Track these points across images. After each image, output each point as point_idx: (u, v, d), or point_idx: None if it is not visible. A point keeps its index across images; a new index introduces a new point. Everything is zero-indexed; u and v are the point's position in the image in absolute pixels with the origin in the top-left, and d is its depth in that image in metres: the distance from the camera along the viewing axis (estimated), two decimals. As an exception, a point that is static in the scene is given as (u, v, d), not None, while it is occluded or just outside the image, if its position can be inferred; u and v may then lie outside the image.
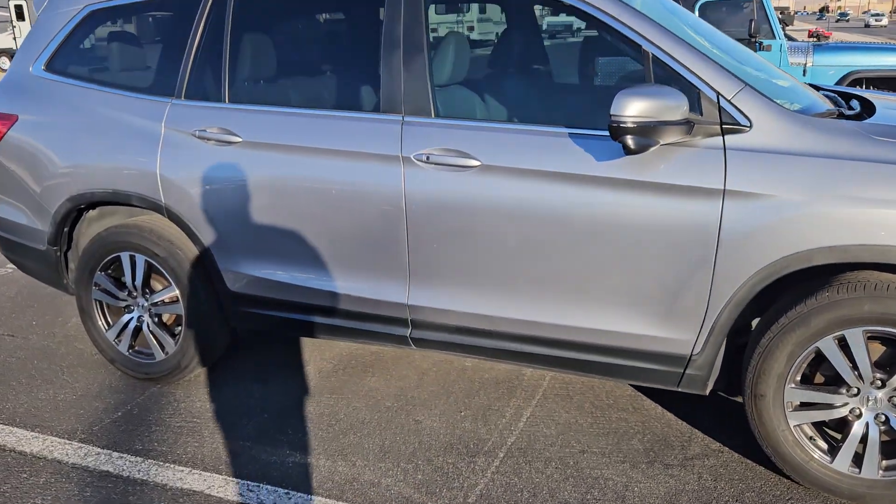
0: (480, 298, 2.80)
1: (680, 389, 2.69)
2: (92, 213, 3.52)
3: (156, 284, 3.43)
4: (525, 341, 2.81)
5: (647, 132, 2.33)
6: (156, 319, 3.45)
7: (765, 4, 8.31)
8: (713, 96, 2.42)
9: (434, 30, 2.89)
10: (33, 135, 3.43)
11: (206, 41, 3.17)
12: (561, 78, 2.82)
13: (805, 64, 8.14)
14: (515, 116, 2.67)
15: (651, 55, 2.52)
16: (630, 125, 2.32)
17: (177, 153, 3.14)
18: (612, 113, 2.33)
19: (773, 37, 8.23)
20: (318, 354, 3.79)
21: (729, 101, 2.42)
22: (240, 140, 3.02)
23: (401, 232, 2.83)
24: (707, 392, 2.67)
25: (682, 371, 2.64)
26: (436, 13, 2.69)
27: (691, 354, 2.60)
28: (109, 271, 3.47)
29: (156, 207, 3.22)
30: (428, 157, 2.73)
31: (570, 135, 2.59)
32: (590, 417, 3.13)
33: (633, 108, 2.31)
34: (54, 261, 3.56)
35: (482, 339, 2.87)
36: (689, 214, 2.42)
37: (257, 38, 3.14)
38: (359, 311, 3.03)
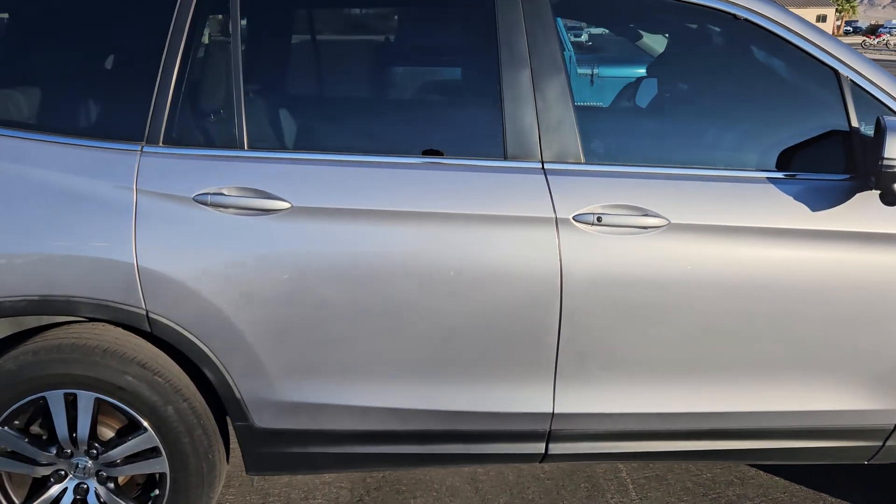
0: (656, 394, 2.17)
1: (868, 463, 2.34)
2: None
3: (105, 432, 2.21)
4: (704, 436, 2.24)
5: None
6: (110, 486, 2.22)
7: None
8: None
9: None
10: None
11: (198, 54, 2.07)
12: (738, 109, 2.29)
13: None
14: (692, 159, 2.09)
15: (850, 80, 2.11)
16: None
17: (167, 230, 2.00)
18: (886, 156, 1.88)
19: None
20: (317, 480, 2.79)
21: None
22: (286, 206, 2.00)
23: (550, 319, 2.08)
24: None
25: (881, 444, 2.29)
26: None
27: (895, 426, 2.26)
28: (16, 423, 2.15)
29: (127, 317, 2.04)
30: (599, 219, 2.02)
31: (771, 180, 2.08)
32: (705, 499, 2.66)
33: (912, 150, 1.89)
34: None
35: (648, 443, 2.24)
36: None
37: (293, 51, 2.12)
38: (471, 431, 2.20)
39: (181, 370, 2.17)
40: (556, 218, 2.03)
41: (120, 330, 2.16)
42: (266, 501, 2.66)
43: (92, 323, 2.19)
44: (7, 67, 2.18)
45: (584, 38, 10.94)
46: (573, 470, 2.84)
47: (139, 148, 2.04)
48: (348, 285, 2.03)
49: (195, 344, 2.05)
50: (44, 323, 2.20)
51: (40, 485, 2.24)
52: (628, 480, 2.78)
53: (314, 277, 2.02)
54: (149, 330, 2.05)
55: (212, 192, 2.00)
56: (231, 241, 2.01)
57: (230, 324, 2.04)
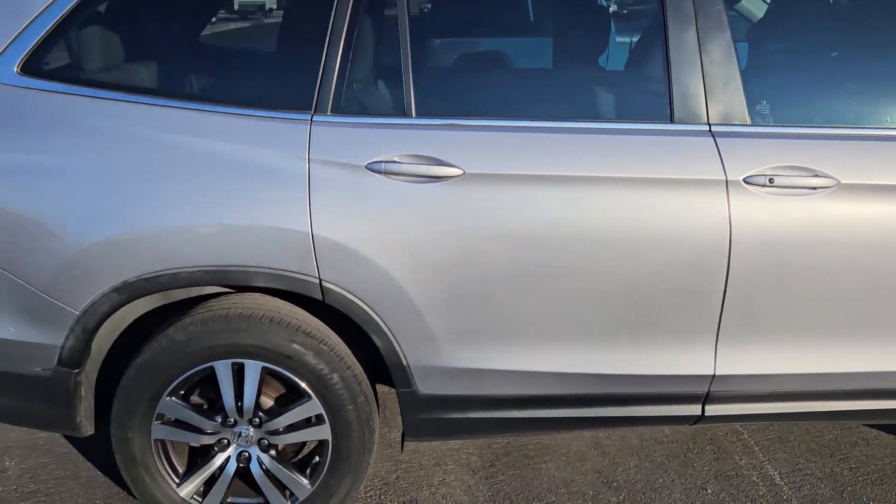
0: (815, 355, 2.19)
1: None
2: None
3: (265, 401, 2.23)
4: (860, 397, 2.27)
5: None
6: (272, 453, 2.25)
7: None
8: None
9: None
10: (21, 186, 2.00)
11: (364, 21, 2.06)
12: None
13: None
14: (857, 117, 2.08)
15: None
16: None
17: (340, 199, 2.01)
18: None
19: None
20: (445, 447, 2.82)
21: None
22: (459, 173, 2.01)
23: (716, 281, 2.09)
24: None
25: None
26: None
27: None
28: (182, 392, 2.18)
29: (302, 286, 2.05)
30: (771, 180, 2.03)
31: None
32: (833, 460, 2.70)
33: None
34: (65, 390, 2.15)
35: (802, 403, 2.27)
36: None
37: (463, 16, 2.11)
38: (629, 394, 2.23)
39: (340, 339, 2.19)
40: (727, 180, 2.04)
41: (278, 300, 2.18)
42: (398, 468, 2.69)
43: (249, 293, 2.21)
44: (176, 39, 2.18)
45: (612, 7, 10.84)
46: (695, 433, 2.88)
47: (309, 117, 2.04)
48: (517, 250, 2.04)
49: (366, 312, 2.07)
50: (192, 295, 2.21)
51: (202, 454, 2.27)
52: (752, 443, 2.81)
53: (484, 243, 2.03)
54: (321, 298, 2.06)
55: (385, 159, 2.01)
56: (404, 209, 2.01)
57: (401, 291, 2.05)
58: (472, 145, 2.02)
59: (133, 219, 1.98)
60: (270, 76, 2.12)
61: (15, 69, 2.05)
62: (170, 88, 2.08)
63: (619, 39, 2.50)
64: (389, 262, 2.03)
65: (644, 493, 2.54)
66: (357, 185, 2.01)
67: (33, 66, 2.05)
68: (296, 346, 2.10)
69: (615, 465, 2.69)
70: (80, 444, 2.81)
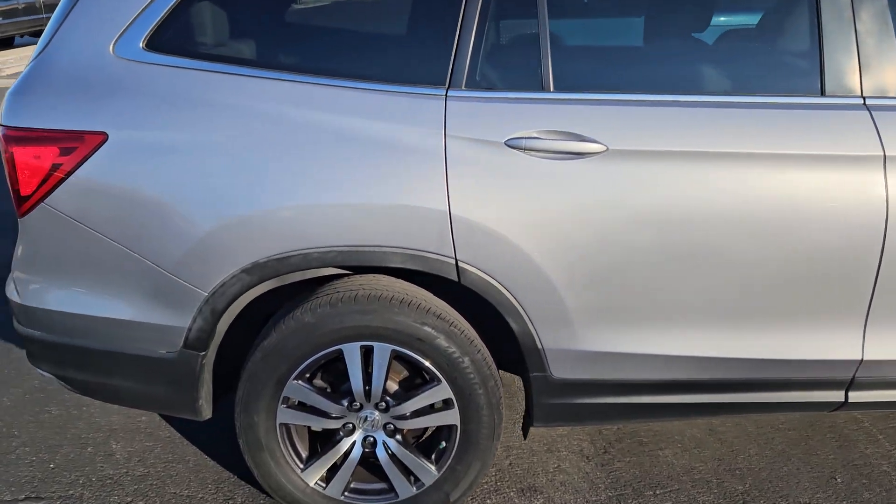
0: None
1: None
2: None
3: (390, 384, 2.18)
4: None
5: None
6: (398, 438, 2.19)
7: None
8: None
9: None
10: (149, 164, 1.95)
11: (500, -7, 1.98)
12: None
13: None
14: None
15: None
16: None
17: (478, 177, 1.93)
18: None
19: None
20: (554, 433, 2.75)
21: None
22: (602, 149, 1.92)
23: (868, 263, 1.99)
24: None
25: None
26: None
27: None
28: (307, 376, 2.13)
29: (439, 267, 1.99)
30: None
31: None
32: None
33: None
34: (190, 372, 2.11)
35: None
36: None
37: None
38: (769, 379, 2.13)
39: (467, 322, 2.13)
40: (885, 156, 1.93)
41: (404, 281, 2.12)
42: (510, 454, 2.63)
43: (371, 274, 2.15)
44: (301, 12, 2.11)
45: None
46: (813, 420, 2.78)
47: (444, 92, 1.96)
48: (658, 230, 1.95)
49: (502, 293, 2.00)
50: (307, 277, 2.15)
51: (324, 438, 2.23)
52: (874, 431, 2.70)
53: (625, 222, 1.95)
54: (456, 279, 1.99)
55: (525, 135, 1.93)
56: (544, 186, 1.93)
57: (539, 272, 1.98)
58: (614, 120, 1.93)
59: (265, 197, 1.93)
60: (402, 49, 2.04)
61: (140, 45, 2.00)
62: (297, 63, 2.01)
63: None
64: (527, 241, 1.95)
65: (770, 482, 2.45)
66: (495, 162, 1.93)
67: (158, 41, 2.00)
68: (427, 329, 2.04)
69: (735, 453, 2.60)
70: (182, 427, 2.79)
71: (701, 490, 2.42)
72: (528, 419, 2.24)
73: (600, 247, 1.97)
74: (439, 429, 2.22)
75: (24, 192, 2.01)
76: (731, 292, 2.01)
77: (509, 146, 1.92)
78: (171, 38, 2.01)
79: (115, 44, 2.00)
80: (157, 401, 2.22)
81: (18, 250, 2.14)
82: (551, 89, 1.97)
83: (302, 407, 2.15)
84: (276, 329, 2.07)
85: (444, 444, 2.20)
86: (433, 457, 2.21)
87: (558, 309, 2.02)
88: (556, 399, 2.15)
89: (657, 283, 2.00)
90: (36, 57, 2.08)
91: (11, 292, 2.17)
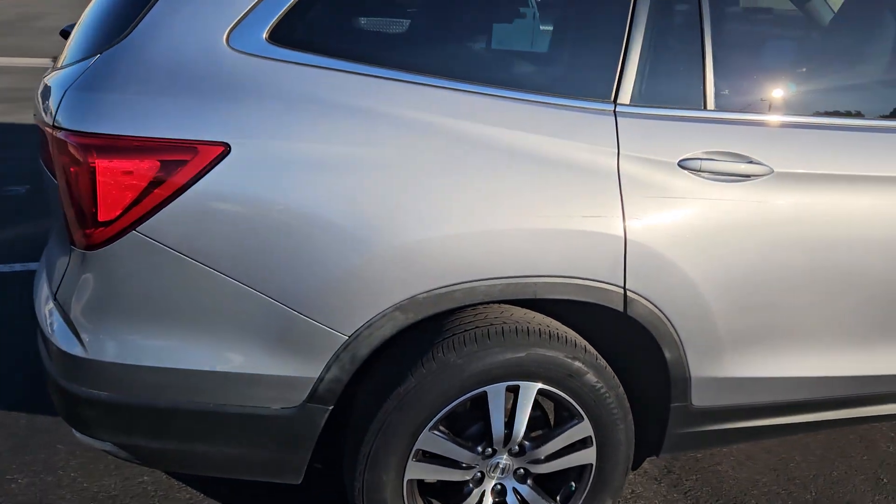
0: None
1: None
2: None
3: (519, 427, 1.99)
4: None
5: None
6: (529, 482, 2.01)
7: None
8: None
9: None
10: (281, 183, 1.61)
11: (665, 8, 1.86)
12: None
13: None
14: None
15: None
16: None
17: (652, 199, 1.81)
18: None
19: None
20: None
21: None
22: (767, 171, 1.88)
23: None
24: None
25: None
26: None
27: None
28: (443, 424, 1.89)
29: (605, 297, 1.83)
30: None
31: None
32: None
33: None
34: (310, 430, 1.79)
35: None
36: None
37: (758, 12, 1.95)
38: (885, 393, 2.21)
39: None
40: None
41: (536, 313, 1.94)
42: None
43: (502, 305, 1.94)
44: (450, 16, 1.84)
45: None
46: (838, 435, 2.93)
47: (612, 107, 1.81)
48: (815, 254, 1.94)
49: (663, 322, 1.89)
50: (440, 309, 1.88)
51: (450, 492, 1.98)
52: (885, 428, 2.91)
53: (782, 246, 1.92)
54: (622, 310, 1.85)
55: (695, 156, 1.83)
56: (712, 210, 1.85)
57: (699, 298, 1.89)
58: (779, 142, 1.89)
59: (430, 223, 1.66)
60: (566, 59, 1.85)
61: (263, 36, 1.64)
62: (447, 68, 1.75)
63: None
64: (692, 267, 1.86)
65: (830, 488, 2.55)
66: (668, 184, 1.81)
67: (285, 32, 1.66)
68: (578, 364, 1.88)
69: (784, 462, 2.68)
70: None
71: (776, 502, 2.46)
72: (649, 450, 2.14)
73: (756, 271, 1.92)
74: (566, 469, 2.05)
75: (105, 216, 1.58)
76: (864, 314, 2.04)
77: (681, 167, 1.81)
78: (302, 30, 1.67)
79: (229, 34, 1.63)
80: (254, 466, 1.84)
81: (76, 288, 1.68)
82: (713, 108, 1.88)
83: (432, 459, 1.89)
84: (414, 373, 1.79)
85: (573, 484, 2.04)
86: (558, 498, 2.04)
87: (711, 336, 1.94)
88: (689, 428, 2.07)
89: (802, 306, 1.99)
90: (107, 46, 1.64)
91: (69, 343, 1.69)
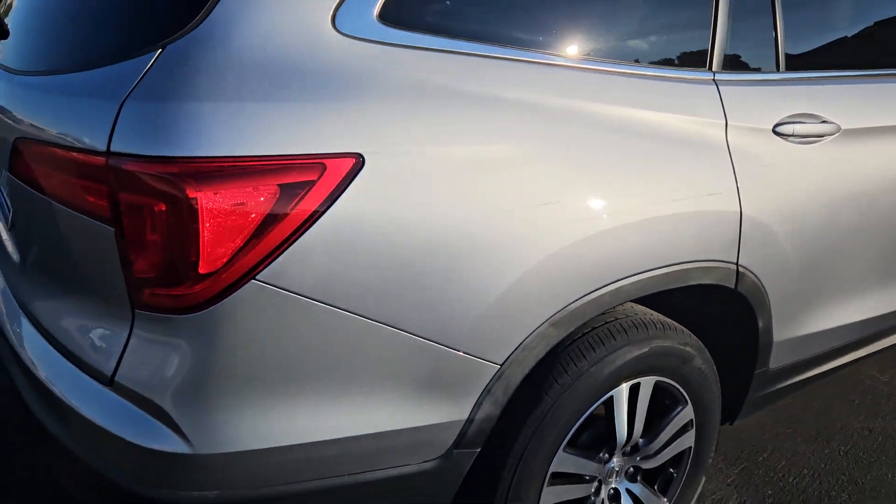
0: None
1: None
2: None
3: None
4: None
5: None
6: (639, 478, 1.91)
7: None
8: None
9: None
10: (427, 197, 1.32)
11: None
12: None
13: None
14: None
15: None
16: None
17: (755, 169, 1.74)
18: None
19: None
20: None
21: None
22: (836, 130, 1.90)
23: None
24: None
25: None
26: None
27: None
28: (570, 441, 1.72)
29: (722, 276, 1.75)
30: None
31: None
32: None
33: None
34: (452, 482, 1.54)
35: None
36: None
37: None
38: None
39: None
40: None
41: (636, 304, 1.83)
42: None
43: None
44: None
45: None
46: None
47: (711, 76, 1.71)
48: (872, 207, 2.01)
49: (762, 293, 1.85)
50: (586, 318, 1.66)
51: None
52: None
53: (849, 201, 1.96)
54: (732, 287, 1.78)
55: (784, 120, 1.79)
56: (799, 173, 1.83)
57: (787, 262, 1.87)
58: (843, 100, 1.91)
59: (582, 222, 1.46)
60: (664, 26, 1.69)
61: (374, 15, 1.32)
62: (563, 47, 1.52)
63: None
64: (784, 233, 1.84)
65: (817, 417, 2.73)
66: (767, 151, 1.76)
67: (398, 11, 1.35)
68: (689, 350, 1.80)
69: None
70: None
71: (785, 442, 2.58)
72: (723, 420, 2.12)
73: (827, 230, 1.94)
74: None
75: (210, 265, 1.20)
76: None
77: (775, 133, 1.76)
78: (416, 7, 1.36)
79: (334, 14, 1.28)
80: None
81: (163, 366, 1.27)
82: (784, 69, 1.85)
83: (561, 479, 1.72)
84: (549, 391, 1.59)
85: (672, 471, 1.96)
86: (656, 487, 1.96)
87: (793, 298, 1.94)
88: (764, 391, 2.08)
89: (856, 258, 2.05)
90: (165, 40, 1.23)
91: (158, 438, 1.28)
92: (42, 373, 1.46)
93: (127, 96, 1.19)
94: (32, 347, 1.53)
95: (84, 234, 1.31)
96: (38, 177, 1.37)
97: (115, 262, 1.26)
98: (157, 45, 1.23)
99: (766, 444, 2.57)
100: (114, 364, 1.31)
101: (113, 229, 1.23)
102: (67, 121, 1.28)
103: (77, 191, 1.27)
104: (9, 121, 1.47)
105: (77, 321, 1.41)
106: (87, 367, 1.36)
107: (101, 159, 1.20)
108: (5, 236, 1.77)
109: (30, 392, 1.54)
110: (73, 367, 1.40)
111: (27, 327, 1.57)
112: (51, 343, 1.48)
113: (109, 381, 1.31)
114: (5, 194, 1.71)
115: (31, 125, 1.37)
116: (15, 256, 1.66)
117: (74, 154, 1.25)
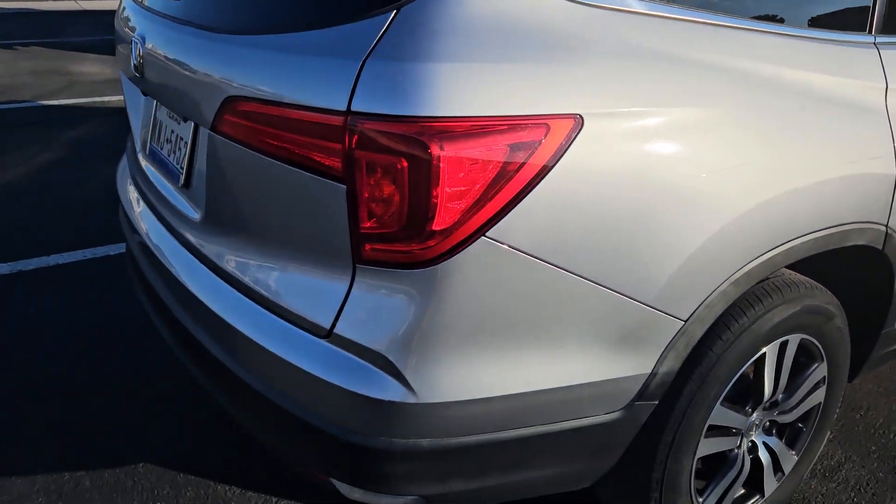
0: None
1: None
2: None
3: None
4: None
5: None
6: (774, 431, 1.98)
7: None
8: None
9: None
10: (641, 157, 1.36)
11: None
12: None
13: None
14: None
15: None
16: None
17: (907, 129, 1.79)
18: None
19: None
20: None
21: None
22: None
23: None
24: None
25: None
26: None
27: None
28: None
29: (873, 238, 1.80)
30: None
31: None
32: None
33: None
34: (628, 433, 1.60)
35: None
36: None
37: None
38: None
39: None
40: None
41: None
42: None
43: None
44: None
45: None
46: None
47: (872, 40, 1.73)
48: None
49: (897, 249, 1.90)
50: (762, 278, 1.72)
51: (716, 461, 1.89)
52: None
53: None
54: (880, 248, 1.83)
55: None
56: None
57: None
58: None
59: (772, 181, 1.51)
60: None
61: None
62: (746, 9, 1.55)
63: None
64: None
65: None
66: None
67: (606, -27, 1.36)
68: (832, 308, 1.85)
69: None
70: None
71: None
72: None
73: None
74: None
75: (445, 221, 1.24)
76: None
77: (919, 95, 1.79)
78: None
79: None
80: (564, 481, 1.61)
81: (389, 318, 1.32)
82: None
83: (714, 432, 1.78)
84: (713, 347, 1.65)
85: (801, 426, 2.03)
86: (784, 440, 2.04)
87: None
88: (886, 349, 2.14)
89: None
90: (398, 1, 1.25)
91: (383, 389, 1.33)
92: (242, 327, 1.50)
93: (367, 56, 1.22)
94: (226, 302, 1.57)
95: (304, 192, 1.34)
96: (254, 135, 1.40)
97: (339, 218, 1.30)
98: (392, 5, 1.25)
99: (861, 402, 2.65)
100: (332, 317, 1.35)
101: (345, 186, 1.26)
102: (298, 80, 1.30)
103: (305, 149, 1.30)
104: (214, 80, 1.49)
105: (287, 276, 1.45)
106: (300, 320, 1.41)
107: (339, 118, 1.23)
108: (173, 195, 1.80)
109: (218, 349, 1.58)
110: (281, 320, 1.45)
111: (217, 283, 1.62)
112: (251, 298, 1.52)
113: (328, 334, 1.36)
114: (179, 155, 1.74)
115: (248, 85, 1.39)
116: (195, 214, 1.69)
117: (306, 113, 1.27)
